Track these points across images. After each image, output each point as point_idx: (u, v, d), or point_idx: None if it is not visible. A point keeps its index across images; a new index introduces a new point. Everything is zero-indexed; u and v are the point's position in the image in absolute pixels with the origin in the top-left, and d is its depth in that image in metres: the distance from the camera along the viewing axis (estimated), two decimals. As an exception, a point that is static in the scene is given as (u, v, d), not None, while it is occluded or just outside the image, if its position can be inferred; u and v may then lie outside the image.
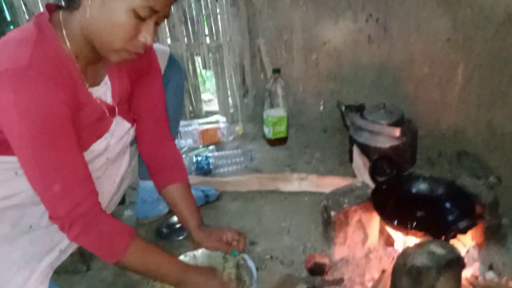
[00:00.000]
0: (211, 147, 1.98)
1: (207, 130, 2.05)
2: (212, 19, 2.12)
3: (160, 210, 1.49)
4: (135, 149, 1.35)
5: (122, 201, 1.58)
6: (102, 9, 0.86)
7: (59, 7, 0.95)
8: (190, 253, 1.20)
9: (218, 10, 2.09)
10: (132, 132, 1.22)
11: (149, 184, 1.41)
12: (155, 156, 1.25)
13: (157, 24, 0.91)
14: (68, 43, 0.92)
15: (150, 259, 1.03)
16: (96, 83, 1.03)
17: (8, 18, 2.18)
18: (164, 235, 1.42)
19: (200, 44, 2.16)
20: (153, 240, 1.42)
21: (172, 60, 1.30)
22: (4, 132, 0.88)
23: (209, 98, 2.70)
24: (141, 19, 0.86)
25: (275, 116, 1.93)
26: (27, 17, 2.14)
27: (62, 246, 1.04)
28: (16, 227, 0.99)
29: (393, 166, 1.42)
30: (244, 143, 2.06)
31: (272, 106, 1.94)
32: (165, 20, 0.93)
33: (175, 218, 1.46)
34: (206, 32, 2.17)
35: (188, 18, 2.13)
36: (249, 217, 1.51)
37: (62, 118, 0.89)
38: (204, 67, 2.26)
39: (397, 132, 1.61)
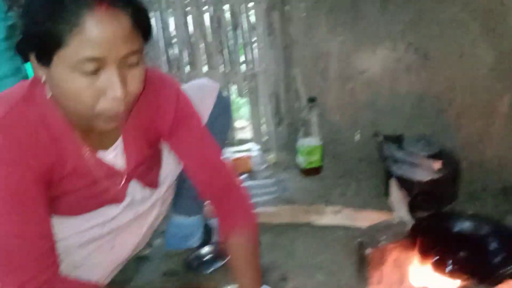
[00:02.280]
0: (242, 176, 1.96)
1: (239, 158, 2.03)
2: (248, 48, 2.15)
3: (190, 245, 1.46)
4: (172, 189, 1.28)
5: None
6: (52, 81, 0.77)
7: None
8: None
9: (255, 39, 2.12)
10: (161, 195, 1.16)
11: (180, 219, 1.41)
12: (217, 202, 1.10)
13: (128, 67, 0.76)
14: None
15: None
16: (104, 147, 0.95)
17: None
18: (193, 268, 1.40)
19: (235, 72, 2.18)
20: (182, 271, 1.40)
21: (221, 98, 1.26)
22: None
23: (242, 125, 2.70)
24: (92, 74, 0.73)
25: (309, 146, 1.90)
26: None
27: None
28: None
29: (433, 201, 1.35)
30: (277, 172, 2.03)
31: (306, 135, 1.91)
32: (139, 56, 0.78)
33: (205, 250, 1.44)
34: (242, 60, 2.19)
35: (224, 46, 2.16)
36: (280, 251, 1.47)
37: (27, 187, 0.81)
38: (239, 95, 2.27)
39: (437, 164, 1.54)
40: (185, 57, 2.20)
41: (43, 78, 0.78)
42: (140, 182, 1.07)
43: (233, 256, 1.05)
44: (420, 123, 1.84)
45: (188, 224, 1.41)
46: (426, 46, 1.76)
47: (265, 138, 2.28)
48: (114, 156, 0.96)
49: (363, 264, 1.23)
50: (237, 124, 2.58)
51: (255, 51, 2.13)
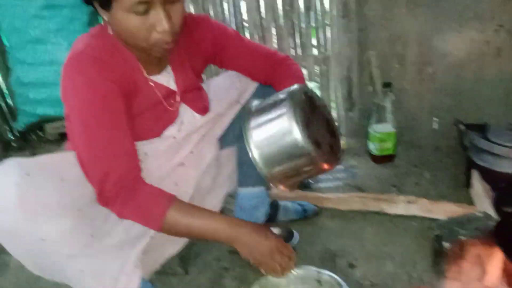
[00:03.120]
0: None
1: (308, 143, 2.00)
2: (321, 31, 2.09)
3: (257, 218, 1.48)
4: (231, 154, 1.36)
5: (221, 210, 1.60)
6: (113, 22, 0.95)
7: None
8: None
9: (327, 22, 2.05)
10: (208, 125, 1.24)
11: (247, 190, 1.42)
12: (271, 79, 1.26)
13: (170, 4, 0.93)
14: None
15: (193, 220, 1.02)
16: (158, 73, 1.11)
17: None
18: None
19: (307, 56, 2.14)
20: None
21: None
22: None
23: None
24: (144, 14, 0.91)
25: (383, 132, 1.82)
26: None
27: (152, 232, 1.08)
28: (108, 219, 1.04)
29: (523, 196, 1.23)
30: (346, 158, 1.97)
31: (379, 121, 1.83)
32: None
33: (272, 230, 1.44)
34: (314, 43, 2.14)
35: (296, 29, 2.12)
36: (349, 237, 1.43)
37: (111, 95, 0.98)
38: (310, 79, 2.23)
39: (528, 157, 1.40)
40: (257, 41, 2.20)
41: (107, 19, 0.96)
42: (191, 107, 1.19)
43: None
44: (508, 112, 1.69)
45: (253, 195, 1.42)
46: (519, 28, 1.61)
47: (336, 123, 2.22)
48: (167, 79, 1.12)
49: (440, 258, 1.16)
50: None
51: (328, 34, 2.07)
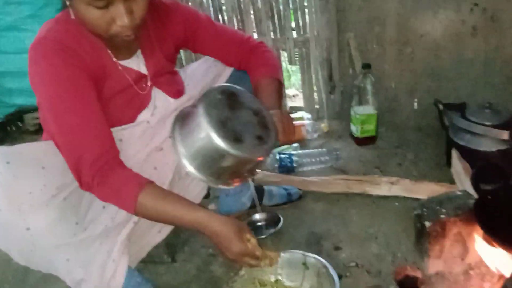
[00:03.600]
0: (295, 145, 1.93)
1: (291, 126, 2.00)
2: (299, 13, 2.07)
3: (243, 203, 1.49)
4: None
5: (207, 195, 1.60)
6: (75, 11, 0.95)
7: None
8: None
9: (305, 4, 2.03)
10: (182, 103, 1.22)
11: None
12: (244, 65, 1.28)
13: (125, 2, 0.91)
14: None
15: (163, 207, 1.00)
16: (128, 56, 1.10)
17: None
18: (246, 233, 1.41)
19: (286, 39, 2.12)
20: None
21: None
22: None
23: (294, 93, 2.65)
24: (104, 8, 0.90)
25: (364, 114, 1.83)
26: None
27: (135, 218, 1.09)
28: (92, 207, 1.04)
29: (501, 173, 1.26)
30: (329, 141, 1.98)
31: (360, 103, 1.84)
32: None
33: (256, 216, 1.44)
34: (293, 26, 2.12)
35: (274, 12, 2.09)
36: (334, 220, 1.45)
37: (78, 80, 0.97)
38: (290, 62, 2.22)
39: (505, 134, 1.43)
40: (235, 24, 2.16)
41: (69, 5, 0.95)
42: (163, 91, 1.18)
43: (258, 91, 1.21)
44: (486, 91, 1.73)
45: None
46: (494, 6, 1.63)
47: (317, 106, 2.22)
48: (137, 64, 1.12)
49: (422, 237, 1.18)
50: (289, 92, 2.54)
51: (307, 16, 2.05)
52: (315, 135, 2.02)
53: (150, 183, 1.02)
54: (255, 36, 2.15)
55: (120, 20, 0.92)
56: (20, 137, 2.46)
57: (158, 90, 1.17)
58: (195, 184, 1.34)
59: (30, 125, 2.45)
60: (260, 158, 1.04)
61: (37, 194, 0.92)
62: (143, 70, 1.13)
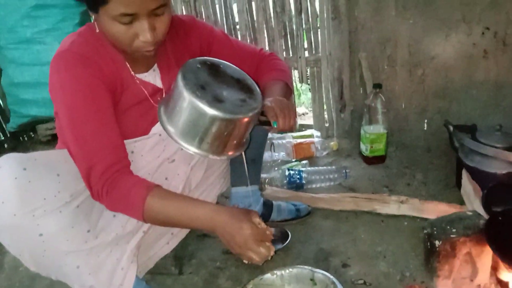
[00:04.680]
0: (304, 162, 1.94)
1: (300, 144, 2.02)
2: (312, 33, 2.11)
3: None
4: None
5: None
6: (99, 24, 0.99)
7: None
8: (278, 272, 1.16)
9: (318, 24, 2.07)
10: None
11: (241, 190, 1.43)
12: (256, 73, 1.28)
13: (156, 16, 0.95)
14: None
15: (172, 206, 1.01)
16: (145, 70, 1.13)
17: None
18: (254, 247, 1.41)
19: (298, 57, 2.16)
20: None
21: None
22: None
23: (304, 111, 2.67)
24: (128, 24, 0.93)
25: (374, 133, 1.84)
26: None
27: (145, 227, 1.11)
28: (103, 215, 1.06)
29: (510, 195, 1.26)
30: (338, 159, 1.99)
31: (371, 122, 1.85)
32: (164, 8, 0.96)
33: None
34: (305, 45, 2.16)
35: (288, 31, 2.14)
36: (342, 237, 1.44)
37: (97, 91, 1.00)
38: (301, 81, 2.24)
39: (515, 157, 1.43)
40: (248, 42, 2.21)
41: (94, 18, 0.99)
42: None
43: (264, 91, 1.18)
44: (496, 113, 1.73)
45: (247, 194, 1.43)
46: (505, 31, 1.65)
47: (327, 124, 2.24)
48: (153, 77, 1.14)
49: (431, 256, 1.18)
50: (299, 110, 2.56)
51: (319, 36, 2.09)
52: (325, 153, 2.03)
53: (158, 186, 1.03)
54: (268, 54, 2.19)
55: (143, 36, 0.95)
56: (31, 147, 2.50)
57: None
58: (205, 195, 1.37)
59: (42, 135, 2.49)
60: (245, 119, 1.00)
61: (51, 200, 0.93)
62: (159, 84, 1.15)
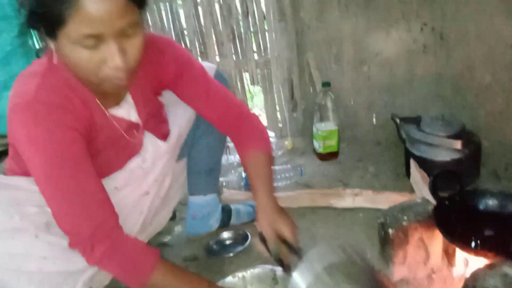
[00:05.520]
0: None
1: (256, 145, 2.02)
2: (260, 35, 2.13)
3: (210, 225, 1.47)
4: (183, 165, 1.36)
5: (173, 217, 1.58)
6: (59, 53, 0.86)
7: None
8: (239, 274, 1.16)
9: (266, 27, 2.10)
10: (170, 150, 1.20)
11: (198, 199, 1.42)
12: (233, 132, 1.19)
13: (126, 37, 0.82)
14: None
15: (177, 281, 0.98)
16: (116, 103, 1.03)
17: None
18: (214, 252, 1.40)
19: (248, 60, 2.17)
20: (203, 256, 1.40)
21: (218, 76, 1.28)
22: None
23: (257, 113, 2.69)
24: (93, 48, 0.80)
25: (326, 130, 1.88)
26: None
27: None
28: (54, 246, 0.98)
29: (456, 180, 1.32)
30: (293, 158, 2.02)
31: (322, 120, 1.89)
32: (136, 28, 0.84)
33: (225, 235, 1.44)
34: (254, 48, 2.17)
35: (236, 35, 2.14)
36: (301, 233, 1.44)
37: (73, 144, 0.90)
38: (253, 83, 2.26)
39: (458, 144, 1.51)
40: (197, 47, 2.19)
41: (53, 48, 0.86)
42: (153, 134, 1.14)
43: (249, 171, 1.14)
44: (438, 104, 1.81)
45: (205, 203, 1.42)
46: (442, 26, 1.73)
47: (280, 124, 2.27)
48: (127, 110, 1.04)
49: (386, 245, 1.21)
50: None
51: (267, 38, 2.11)
52: (280, 153, 2.05)
53: (161, 260, 0.98)
54: (217, 59, 2.19)
55: (112, 61, 0.82)
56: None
57: (148, 134, 1.13)
58: (162, 209, 1.31)
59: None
60: None
61: (8, 227, 0.90)
62: (134, 117, 1.07)
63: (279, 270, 1.14)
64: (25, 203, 0.94)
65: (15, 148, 0.96)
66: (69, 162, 0.90)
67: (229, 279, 1.15)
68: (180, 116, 1.24)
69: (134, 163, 1.11)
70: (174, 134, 1.21)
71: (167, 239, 1.49)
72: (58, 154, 0.89)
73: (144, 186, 1.14)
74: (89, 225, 0.90)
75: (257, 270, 1.16)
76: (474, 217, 1.19)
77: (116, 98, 1.03)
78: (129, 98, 1.05)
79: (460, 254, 1.16)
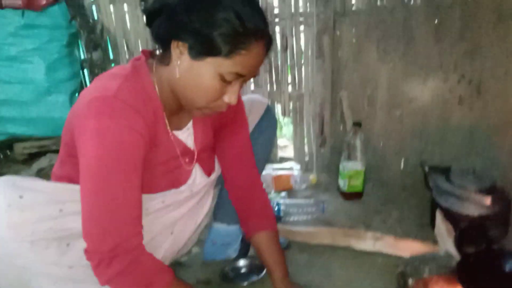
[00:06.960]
0: (282, 194, 1.95)
1: (280, 176, 2.03)
2: (296, 69, 2.17)
3: (228, 254, 1.47)
4: (216, 193, 1.38)
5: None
6: (190, 71, 0.90)
7: (153, 54, 1.01)
8: None
9: (303, 61, 2.14)
10: (211, 183, 1.25)
11: (222, 227, 1.42)
12: (244, 203, 1.26)
13: (244, 82, 0.94)
14: (156, 88, 0.97)
15: None
16: (179, 127, 1.08)
17: (111, 57, 2.41)
18: (229, 278, 1.39)
19: (282, 92, 2.21)
20: (217, 281, 1.39)
21: (268, 112, 1.33)
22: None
23: (285, 144, 2.71)
24: (226, 82, 0.90)
25: (352, 169, 1.87)
26: (127, 56, 2.35)
27: None
28: (58, 264, 0.97)
29: (483, 237, 1.29)
30: (316, 193, 2.01)
31: (349, 158, 1.89)
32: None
33: (241, 262, 1.44)
34: (289, 81, 2.21)
35: (273, 67, 2.19)
36: (318, 271, 1.44)
37: (136, 148, 0.90)
38: (284, 114, 2.29)
39: (488, 200, 1.47)
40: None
41: (178, 62, 0.90)
42: (202, 168, 1.18)
43: (261, 251, 1.22)
44: (470, 156, 1.79)
45: (227, 233, 1.43)
46: (480, 80, 1.73)
47: (307, 158, 2.27)
48: (186, 136, 1.09)
49: (404, 294, 1.19)
50: (280, 142, 2.59)
51: (303, 72, 2.15)
52: (303, 186, 2.05)
53: (175, 279, 0.99)
54: (252, 87, 2.24)
55: (231, 98, 0.92)
56: (6, 165, 2.45)
57: (198, 166, 1.17)
58: (195, 233, 1.35)
59: (19, 154, 2.45)
60: None
61: (41, 234, 0.91)
62: (190, 144, 1.11)
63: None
64: (67, 212, 0.95)
65: (69, 148, 0.97)
66: (124, 165, 0.88)
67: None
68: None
69: (182, 191, 1.14)
70: (217, 172, 1.26)
71: (183, 259, 1.49)
72: (118, 152, 0.87)
73: (180, 211, 1.17)
74: (115, 238, 0.88)
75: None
76: (498, 278, 1.15)
77: (180, 122, 1.08)
78: (190, 126, 1.10)
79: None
